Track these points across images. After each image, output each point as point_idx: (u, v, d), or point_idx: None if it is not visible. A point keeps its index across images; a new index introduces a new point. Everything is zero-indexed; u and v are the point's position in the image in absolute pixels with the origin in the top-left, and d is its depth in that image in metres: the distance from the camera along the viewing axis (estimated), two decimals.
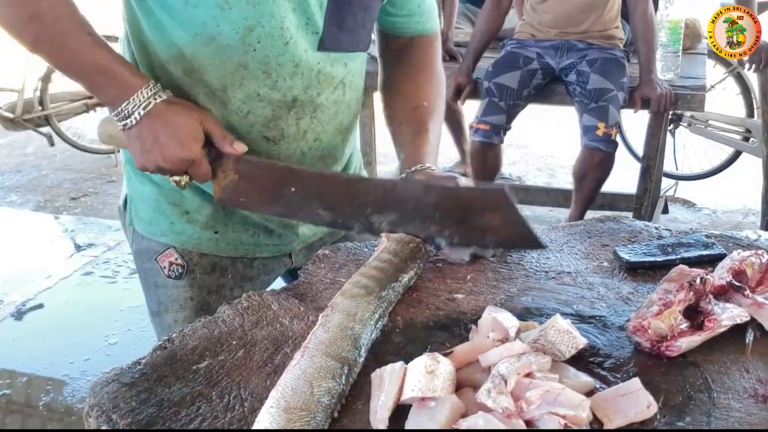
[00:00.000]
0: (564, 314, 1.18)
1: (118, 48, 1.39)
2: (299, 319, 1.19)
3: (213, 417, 0.98)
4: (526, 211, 4.52)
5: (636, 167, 4.05)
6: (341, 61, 1.43)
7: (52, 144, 5.63)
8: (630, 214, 3.45)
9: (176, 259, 1.50)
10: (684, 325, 1.08)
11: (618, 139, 3.42)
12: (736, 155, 4.73)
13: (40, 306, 3.75)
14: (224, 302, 1.23)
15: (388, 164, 5.00)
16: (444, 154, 5.18)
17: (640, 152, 3.85)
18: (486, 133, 3.53)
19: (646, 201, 3.65)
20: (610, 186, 3.71)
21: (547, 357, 0.98)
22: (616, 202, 4.14)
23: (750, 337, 1.10)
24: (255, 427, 0.89)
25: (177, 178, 1.32)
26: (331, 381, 0.97)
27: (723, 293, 1.18)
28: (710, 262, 1.30)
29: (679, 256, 1.32)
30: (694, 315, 1.09)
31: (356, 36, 1.42)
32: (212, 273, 1.53)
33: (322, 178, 1.37)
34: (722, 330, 1.08)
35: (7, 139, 6.02)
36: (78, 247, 4.38)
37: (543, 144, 5.78)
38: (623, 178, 4.21)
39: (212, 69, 1.33)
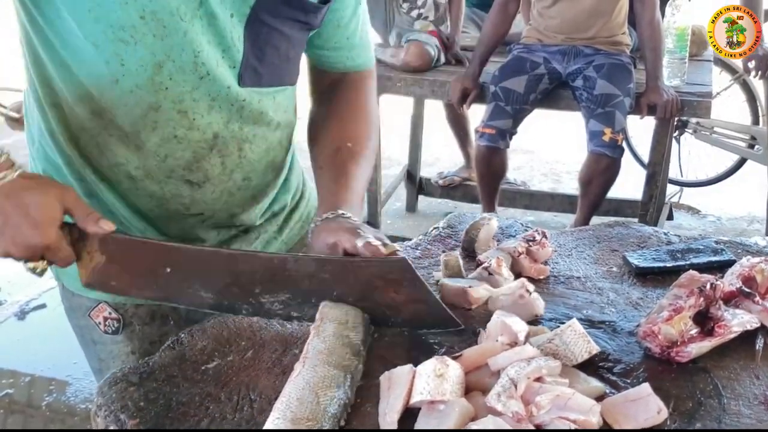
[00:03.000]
0: None
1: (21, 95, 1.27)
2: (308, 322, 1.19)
3: (222, 417, 0.97)
4: (530, 216, 4.54)
5: (641, 173, 4.05)
6: (269, 95, 1.30)
7: None
8: (635, 220, 3.45)
9: (110, 313, 1.37)
10: (694, 331, 1.08)
11: (623, 145, 3.41)
12: (741, 162, 4.71)
13: (43, 306, 3.74)
14: None
15: (391, 168, 5.01)
16: (449, 159, 5.19)
17: (646, 158, 3.84)
18: (492, 138, 3.52)
19: (651, 207, 3.64)
20: (615, 192, 3.71)
21: (558, 361, 0.97)
22: (621, 208, 4.14)
23: (760, 343, 1.10)
24: None
25: (32, 264, 1.15)
26: (336, 390, 0.96)
27: (732, 299, 1.18)
28: (719, 268, 1.30)
29: (688, 262, 1.32)
30: (704, 321, 1.09)
31: (280, 70, 1.30)
32: (152, 322, 1.40)
33: (201, 254, 1.19)
34: (732, 336, 1.08)
35: (12, 138, 6.02)
36: None
37: (548, 149, 5.77)
38: (628, 184, 4.20)
39: (122, 112, 1.20)
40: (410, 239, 1.49)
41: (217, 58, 1.19)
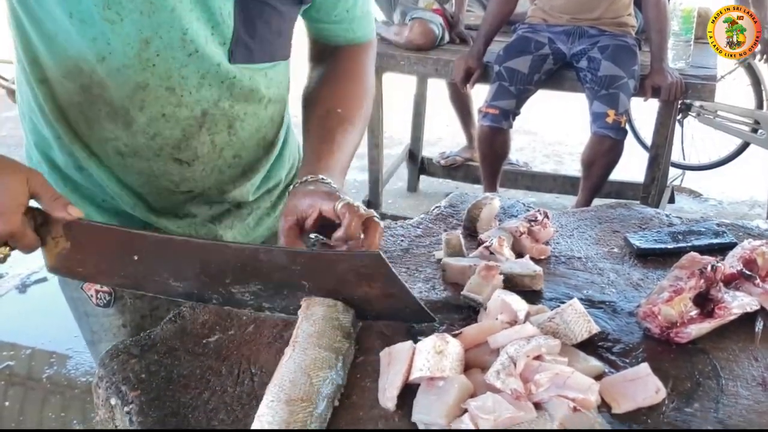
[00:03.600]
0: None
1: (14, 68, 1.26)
2: None
3: (222, 390, 0.98)
4: (532, 197, 4.53)
5: (643, 156, 4.04)
6: (261, 72, 1.29)
7: None
8: (637, 203, 3.45)
9: (101, 286, 1.35)
10: (694, 312, 1.08)
11: (627, 127, 3.40)
12: (744, 146, 4.71)
13: (44, 279, 3.76)
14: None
15: (393, 147, 5.00)
16: (452, 139, 5.18)
17: (648, 141, 3.83)
18: (495, 118, 3.52)
19: (653, 190, 3.64)
20: (617, 174, 3.70)
21: (557, 340, 0.98)
22: (623, 190, 4.14)
23: (759, 325, 1.10)
24: (257, 419, 0.88)
25: None
26: (328, 371, 0.96)
27: (733, 282, 1.18)
28: (721, 250, 1.30)
29: (689, 244, 1.32)
30: (704, 302, 1.09)
31: (271, 45, 1.28)
32: (143, 296, 1.37)
33: (170, 244, 1.15)
34: (732, 318, 1.08)
35: (14, 111, 6.01)
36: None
37: (551, 130, 5.76)
38: (630, 166, 4.19)
39: (110, 89, 1.18)
40: (411, 218, 1.49)
41: (206, 35, 1.18)
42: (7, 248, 1.10)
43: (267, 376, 0.97)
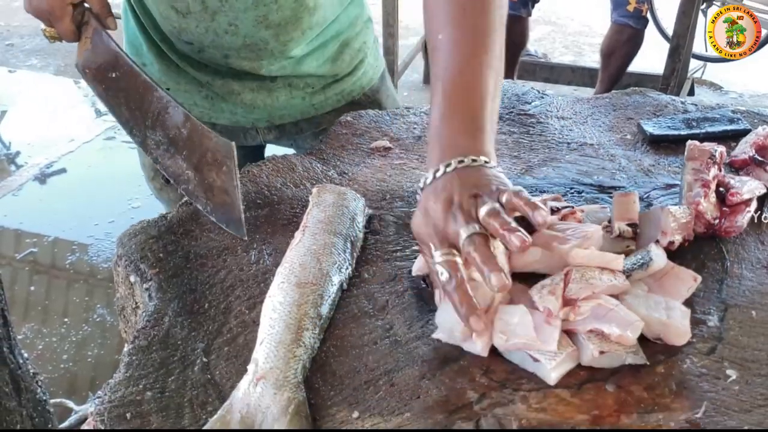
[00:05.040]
0: (584, 184, 1.19)
1: None
2: (323, 181, 1.21)
3: (239, 269, 1.01)
4: (549, 90, 4.46)
5: (665, 48, 3.96)
6: None
7: None
8: (653, 90, 3.40)
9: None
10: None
11: (648, 16, 3.32)
12: (767, 40, 4.59)
13: (63, 170, 3.81)
14: None
15: (409, 38, 4.92)
16: None
17: (670, 32, 3.74)
18: (513, 5, 3.44)
19: (672, 81, 3.59)
20: (636, 65, 3.64)
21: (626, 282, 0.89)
22: (642, 81, 4.06)
23: (767, 210, 1.11)
24: (268, 299, 0.91)
25: (43, 27, 1.26)
26: (337, 256, 0.98)
27: (744, 168, 1.18)
28: (734, 137, 1.29)
29: (703, 131, 1.31)
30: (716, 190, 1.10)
31: None
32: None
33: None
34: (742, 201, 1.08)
35: None
36: (99, 112, 4.39)
37: (572, 21, 5.63)
38: (651, 58, 4.12)
39: None
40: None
41: None
42: (53, 29, 1.24)
43: (282, 256, 1.00)
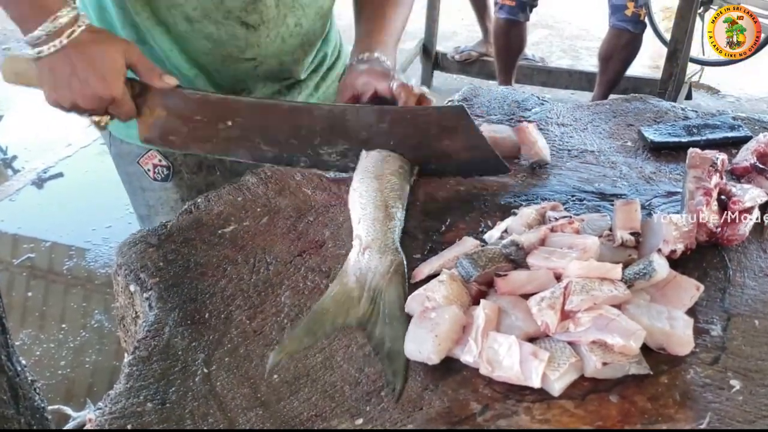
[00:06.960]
0: (585, 192, 1.19)
1: None
2: (321, 190, 1.20)
3: (239, 278, 1.00)
4: (547, 94, 4.47)
5: (662, 51, 3.96)
6: None
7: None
8: (652, 96, 3.41)
9: (160, 160, 1.41)
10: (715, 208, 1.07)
11: (646, 20, 3.33)
12: (766, 42, 4.60)
13: (61, 175, 3.79)
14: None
15: (407, 42, 4.91)
16: (467, 33, 5.08)
17: (668, 36, 3.75)
18: (511, 10, 3.45)
19: (670, 86, 3.59)
20: (634, 70, 3.64)
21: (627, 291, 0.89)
22: (639, 86, 4.06)
23: None
24: (353, 189, 1.11)
25: (97, 118, 1.19)
26: (399, 160, 1.17)
27: (746, 175, 1.18)
28: (735, 144, 1.29)
29: (704, 138, 1.31)
30: (718, 198, 1.09)
31: None
32: (199, 172, 1.43)
33: (262, 108, 1.24)
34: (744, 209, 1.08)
35: None
36: None
37: (569, 25, 5.64)
38: (648, 62, 4.12)
39: None
40: None
41: None
42: (108, 117, 1.19)
43: (282, 265, 1.00)
